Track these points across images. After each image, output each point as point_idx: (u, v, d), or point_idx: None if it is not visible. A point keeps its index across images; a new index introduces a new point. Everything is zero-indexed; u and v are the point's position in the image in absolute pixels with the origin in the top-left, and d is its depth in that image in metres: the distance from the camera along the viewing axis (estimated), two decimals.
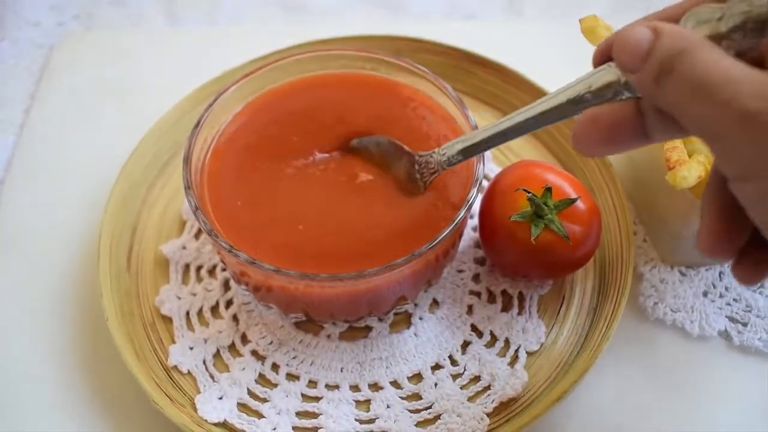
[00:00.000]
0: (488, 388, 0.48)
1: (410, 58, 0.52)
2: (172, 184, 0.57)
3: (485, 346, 0.50)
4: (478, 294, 0.52)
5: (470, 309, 0.51)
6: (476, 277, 0.53)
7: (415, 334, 0.50)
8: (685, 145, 0.46)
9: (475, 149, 0.43)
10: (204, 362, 0.49)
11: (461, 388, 0.48)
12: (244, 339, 0.50)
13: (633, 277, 0.51)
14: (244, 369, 0.49)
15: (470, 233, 0.54)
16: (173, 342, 0.50)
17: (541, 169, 0.49)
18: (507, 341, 0.50)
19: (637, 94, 0.32)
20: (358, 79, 0.52)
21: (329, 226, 0.46)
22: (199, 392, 0.48)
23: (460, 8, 0.72)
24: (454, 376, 0.49)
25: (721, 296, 0.52)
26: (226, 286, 0.52)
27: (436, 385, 0.48)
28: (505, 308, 0.51)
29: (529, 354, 0.49)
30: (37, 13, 0.72)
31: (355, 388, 0.49)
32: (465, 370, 0.49)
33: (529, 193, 0.46)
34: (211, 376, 0.49)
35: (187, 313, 0.51)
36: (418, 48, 0.61)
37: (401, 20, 0.71)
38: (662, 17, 0.32)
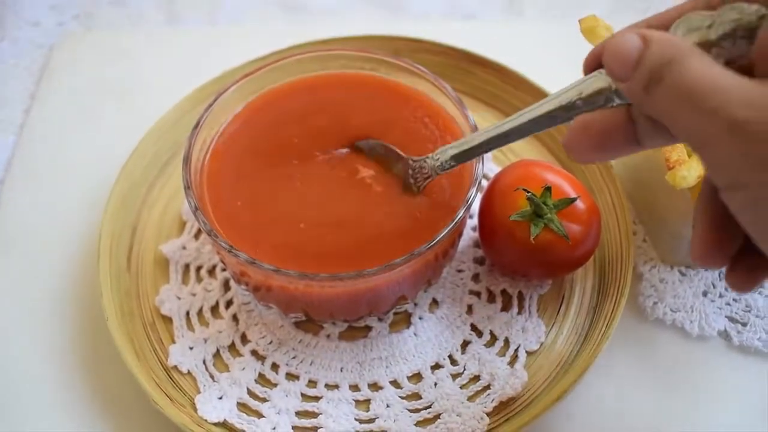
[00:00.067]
0: (488, 387, 0.48)
1: (410, 58, 0.52)
2: (172, 184, 0.57)
3: (485, 345, 0.50)
4: (477, 293, 0.52)
5: (470, 308, 0.51)
6: (476, 277, 0.53)
7: (415, 334, 0.50)
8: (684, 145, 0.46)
9: (468, 155, 0.43)
10: (204, 362, 0.49)
11: (461, 387, 0.48)
12: (244, 339, 0.50)
13: (633, 276, 0.51)
14: (243, 369, 0.49)
15: (470, 233, 0.54)
16: (173, 342, 0.50)
17: (540, 169, 0.49)
18: (507, 341, 0.50)
19: (627, 101, 0.32)
20: (357, 79, 0.52)
21: (329, 226, 0.46)
22: (199, 392, 0.48)
23: (459, 8, 0.72)
24: (454, 376, 0.49)
25: (720, 296, 0.52)
26: (226, 286, 0.53)
27: (435, 384, 0.48)
28: (505, 308, 0.51)
29: (529, 353, 0.49)
30: (37, 13, 0.72)
31: (354, 387, 0.49)
32: (465, 369, 0.49)
33: (528, 192, 0.46)
34: (211, 376, 0.49)
35: (187, 313, 0.51)
36: (418, 48, 0.61)
37: (401, 20, 0.71)
38: (653, 24, 0.32)
